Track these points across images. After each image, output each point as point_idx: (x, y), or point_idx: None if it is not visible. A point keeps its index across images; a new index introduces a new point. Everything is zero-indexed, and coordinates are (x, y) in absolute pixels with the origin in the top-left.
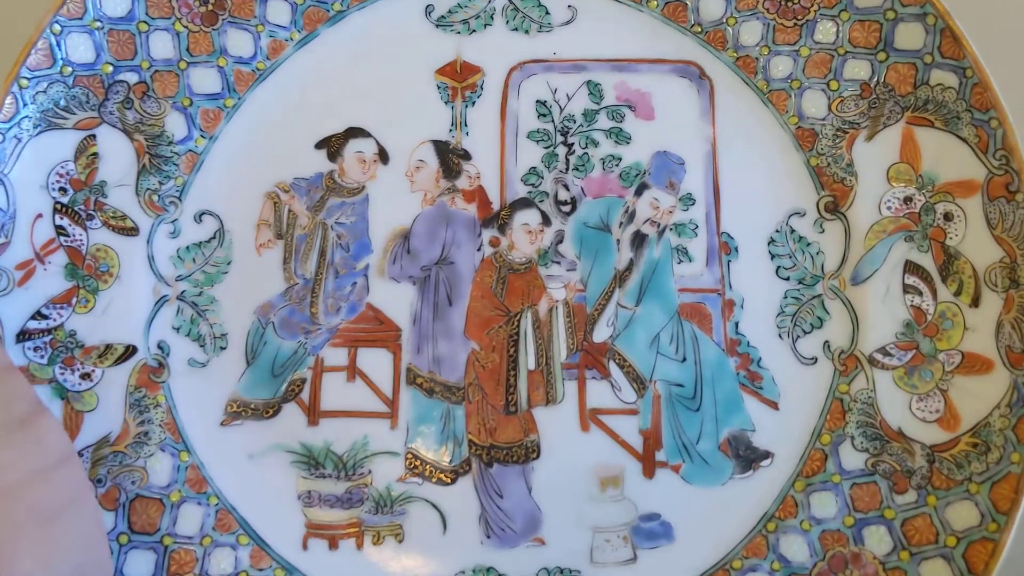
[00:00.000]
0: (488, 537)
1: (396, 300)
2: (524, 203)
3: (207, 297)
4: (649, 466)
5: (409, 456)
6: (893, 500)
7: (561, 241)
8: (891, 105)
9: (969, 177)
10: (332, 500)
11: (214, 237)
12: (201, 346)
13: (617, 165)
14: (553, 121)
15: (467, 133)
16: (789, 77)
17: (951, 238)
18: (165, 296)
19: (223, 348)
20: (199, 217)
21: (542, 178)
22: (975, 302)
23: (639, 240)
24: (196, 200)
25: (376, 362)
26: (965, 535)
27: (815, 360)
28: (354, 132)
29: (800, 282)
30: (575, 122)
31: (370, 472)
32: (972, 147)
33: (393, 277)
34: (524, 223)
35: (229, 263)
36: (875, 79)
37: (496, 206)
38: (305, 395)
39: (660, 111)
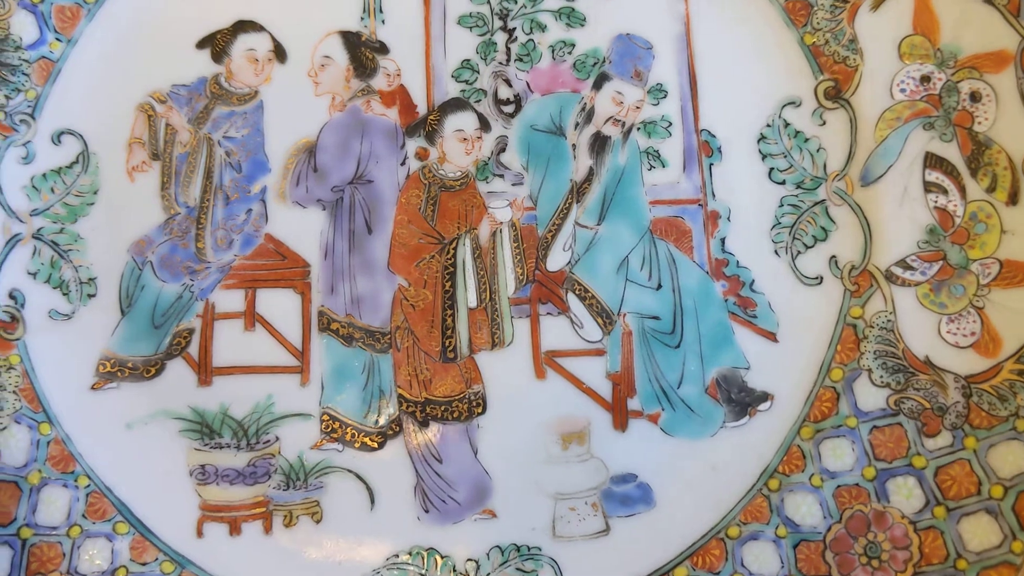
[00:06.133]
0: (426, 511)
1: (302, 230)
2: (456, 104)
3: (70, 234)
4: (621, 417)
5: (325, 418)
6: (923, 445)
7: (504, 149)
8: None
9: (999, 47)
10: (232, 475)
11: (77, 161)
12: (64, 294)
13: (570, 53)
14: (489, 2)
15: (383, 21)
16: None
17: (980, 123)
18: (18, 235)
19: (91, 295)
20: (57, 137)
21: (478, 73)
22: (1013, 199)
23: (600, 144)
24: (53, 117)
25: (280, 306)
26: (1014, 483)
27: (820, 280)
28: (243, 26)
29: (798, 186)
30: (516, 2)
31: (277, 439)
32: (1000, 10)
33: (297, 201)
34: (457, 129)
35: (96, 192)
36: None
37: (422, 109)
38: (194, 349)
39: None
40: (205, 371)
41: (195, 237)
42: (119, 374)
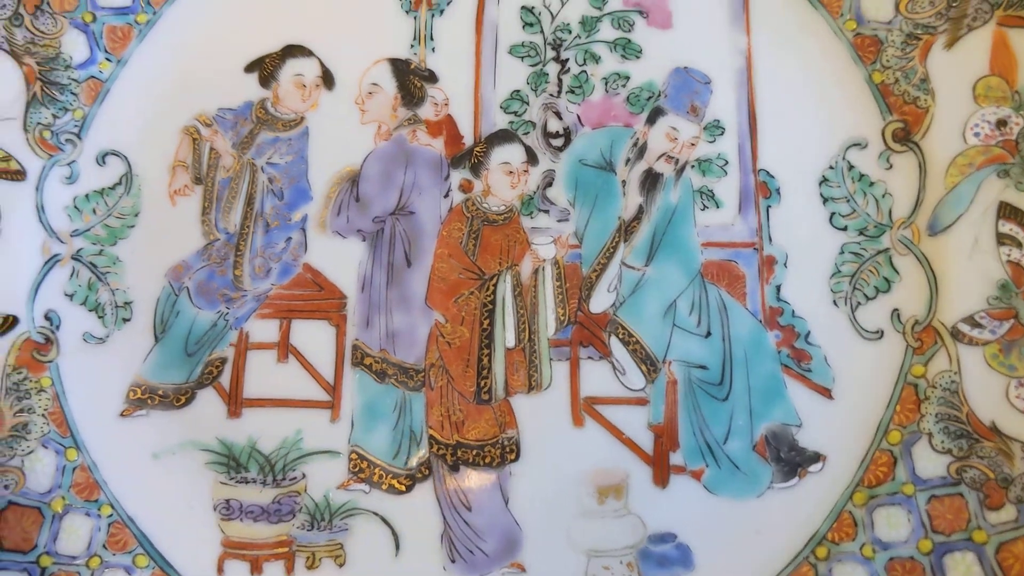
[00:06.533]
0: (452, 561)
1: (341, 260)
2: (504, 136)
3: (109, 257)
4: (661, 472)
5: (353, 456)
6: (985, 518)
7: (551, 184)
8: (977, 2)
9: None
10: (256, 512)
11: (120, 182)
12: (100, 317)
13: (624, 86)
14: (543, 32)
15: (433, 49)
16: None
17: None
18: (57, 255)
19: (126, 320)
20: (102, 158)
21: (527, 104)
22: None
23: (651, 181)
24: (99, 137)
25: (315, 337)
26: None
27: (881, 334)
28: (293, 50)
29: (861, 233)
30: (571, 32)
31: (304, 477)
32: None
33: (337, 231)
34: (504, 162)
35: (137, 215)
36: None
37: (468, 140)
38: (225, 379)
39: (680, 17)
40: (235, 402)
41: (233, 264)
42: (149, 401)
